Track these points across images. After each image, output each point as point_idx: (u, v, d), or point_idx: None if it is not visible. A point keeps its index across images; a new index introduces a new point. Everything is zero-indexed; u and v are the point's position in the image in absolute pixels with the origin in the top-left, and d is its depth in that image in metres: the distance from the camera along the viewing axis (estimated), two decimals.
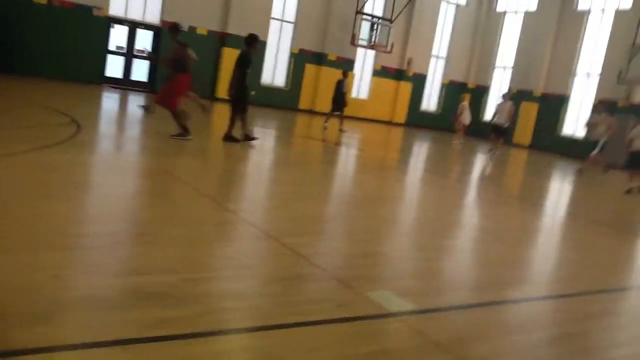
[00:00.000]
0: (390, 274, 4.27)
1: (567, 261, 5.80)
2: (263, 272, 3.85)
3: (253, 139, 10.09)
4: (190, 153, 8.59)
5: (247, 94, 10.15)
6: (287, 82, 23.71)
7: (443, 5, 27.49)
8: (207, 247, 4.20)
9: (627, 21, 22.11)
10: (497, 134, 17.05)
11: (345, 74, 18.04)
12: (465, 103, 20.56)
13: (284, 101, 23.40)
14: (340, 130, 16.83)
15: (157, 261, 3.60)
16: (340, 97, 17.44)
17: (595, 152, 14.49)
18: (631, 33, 21.35)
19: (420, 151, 17.11)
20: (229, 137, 9.92)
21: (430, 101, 28.38)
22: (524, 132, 25.35)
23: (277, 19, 23.04)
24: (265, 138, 13.01)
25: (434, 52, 27.83)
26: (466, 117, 20.04)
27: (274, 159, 10.18)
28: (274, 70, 23.47)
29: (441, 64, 28.38)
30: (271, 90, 23.18)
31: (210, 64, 21.39)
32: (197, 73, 20.91)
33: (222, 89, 21.24)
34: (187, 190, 5.90)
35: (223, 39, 21.61)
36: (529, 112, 25.45)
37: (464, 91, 28.01)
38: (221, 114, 16.07)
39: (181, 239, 4.18)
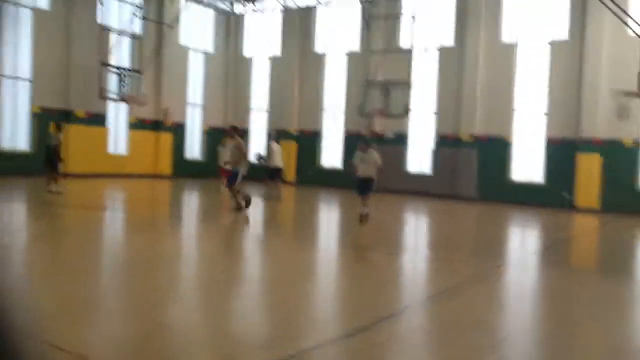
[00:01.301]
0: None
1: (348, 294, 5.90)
2: None
3: None
4: None
5: None
6: (32, 145, 21.22)
7: (191, 53, 27.63)
8: None
9: (358, 61, 24.80)
10: (274, 176, 17.12)
11: (58, 126, 15.75)
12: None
13: (29, 166, 20.82)
14: (50, 192, 14.27)
15: None
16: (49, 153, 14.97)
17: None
18: (364, 71, 23.92)
19: (189, 202, 16.65)
20: None
21: (193, 149, 28.11)
22: (288, 168, 26.55)
23: (10, 77, 20.64)
24: (14, 211, 11.29)
25: (190, 100, 27.73)
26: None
27: (24, 235, 8.80)
28: (14, 133, 20.90)
29: (199, 111, 28.39)
30: (12, 156, 20.50)
31: None
32: None
33: None
34: None
35: None
36: (289, 149, 26.73)
37: (226, 136, 28.38)
38: None
39: None
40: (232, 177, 12.46)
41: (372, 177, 11.72)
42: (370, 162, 11.77)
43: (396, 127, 24.10)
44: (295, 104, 27.22)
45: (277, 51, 28.06)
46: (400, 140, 24.36)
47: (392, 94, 22.70)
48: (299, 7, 27.12)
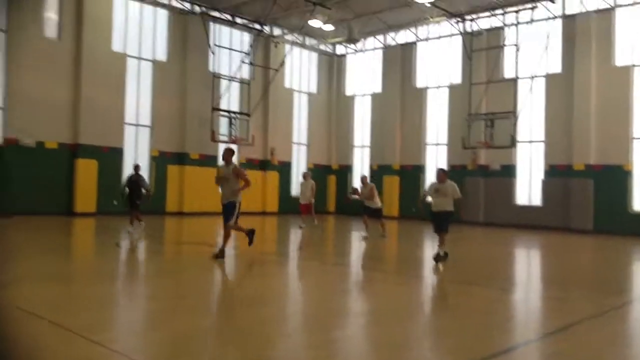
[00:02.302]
0: None
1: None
2: None
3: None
4: (42, 280, 7.70)
5: None
6: (149, 186, 22.80)
7: (295, 95, 28.70)
8: None
9: (461, 93, 24.54)
10: (372, 215, 16.31)
11: (136, 168, 15.11)
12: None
13: (149, 206, 22.37)
14: (129, 232, 14.34)
15: None
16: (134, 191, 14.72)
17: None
18: (466, 103, 23.58)
19: (295, 238, 17.04)
20: None
21: (299, 186, 28.85)
22: (391, 203, 26.48)
23: (132, 124, 22.51)
24: (134, 248, 12.20)
25: (295, 139, 28.66)
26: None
27: (145, 272, 9.47)
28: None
29: (303, 149, 29.22)
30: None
31: (64, 177, 20.19)
32: (51, 187, 19.72)
33: (80, 204, 20.12)
34: (44, 327, 5.16)
35: (76, 150, 20.56)
36: (391, 185, 26.72)
37: (329, 173, 29.02)
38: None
39: None
40: (228, 211, 10.04)
41: (448, 211, 10.42)
42: (447, 194, 10.43)
43: (502, 159, 23.43)
44: (397, 139, 27.30)
45: (378, 88, 28.44)
46: (507, 172, 23.63)
47: (496, 125, 22.17)
48: (399, 43, 27.44)
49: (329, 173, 29.50)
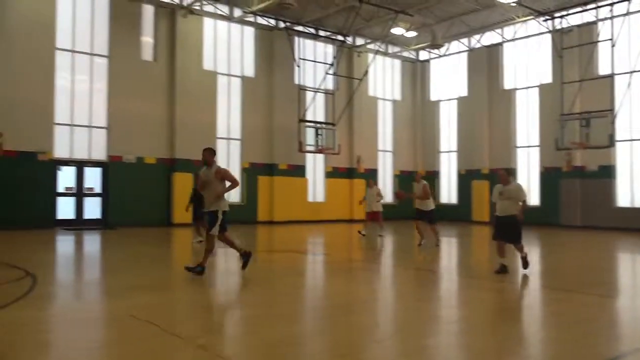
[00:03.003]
0: None
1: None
2: None
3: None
4: (149, 288, 8.27)
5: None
6: (242, 197, 23.77)
7: (380, 102, 28.78)
8: None
9: (552, 93, 23.63)
10: (423, 218, 14.62)
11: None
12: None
13: (242, 216, 23.25)
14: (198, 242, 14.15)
15: None
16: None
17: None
18: (558, 103, 22.69)
19: (382, 245, 17.08)
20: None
21: (385, 193, 28.85)
22: (481, 208, 25.91)
23: (224, 138, 23.49)
24: (228, 257, 12.76)
25: (380, 146, 28.72)
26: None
27: (240, 279, 9.90)
28: None
29: (389, 156, 29.22)
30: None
31: (163, 190, 21.38)
32: (151, 200, 20.96)
33: (178, 215, 21.24)
34: (155, 332, 5.59)
35: (172, 165, 21.74)
36: (481, 189, 26.13)
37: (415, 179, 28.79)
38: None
39: None
40: (210, 221, 9.05)
41: (513, 216, 9.35)
42: (511, 197, 9.35)
43: (600, 159, 22.33)
44: (485, 143, 26.70)
45: (464, 91, 27.98)
46: (606, 172, 22.47)
47: (592, 124, 21.17)
48: (484, 45, 26.89)
49: (414, 180, 29.27)
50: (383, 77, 29.06)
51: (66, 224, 19.46)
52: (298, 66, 24.84)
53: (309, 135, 24.39)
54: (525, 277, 9.51)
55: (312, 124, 24.67)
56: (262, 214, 24.06)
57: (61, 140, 19.80)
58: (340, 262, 11.30)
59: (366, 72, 26.30)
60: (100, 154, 20.58)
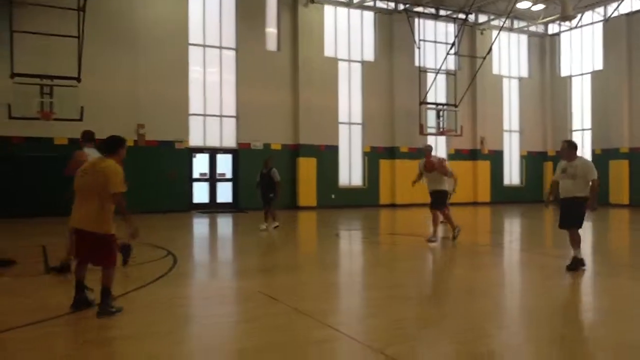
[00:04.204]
0: None
1: None
2: None
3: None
4: (278, 269, 8.73)
5: None
6: (364, 180, 24.07)
7: (505, 81, 27.62)
8: None
9: None
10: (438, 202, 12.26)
11: (266, 162, 14.12)
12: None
13: (364, 199, 23.62)
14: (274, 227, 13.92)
15: None
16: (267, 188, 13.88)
17: None
18: None
19: (509, 228, 16.51)
20: None
21: (512, 175, 27.78)
22: (620, 190, 24.12)
23: (345, 123, 23.84)
24: (352, 238, 13.07)
25: (506, 126, 27.61)
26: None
27: (364, 261, 10.13)
28: (350, 170, 24.00)
29: (515, 137, 28.01)
30: (350, 190, 23.59)
31: (289, 175, 22.19)
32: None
33: (302, 199, 22.02)
34: (283, 309, 5.95)
35: (297, 150, 22.48)
36: (620, 169, 24.31)
37: (545, 160, 27.42)
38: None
39: None
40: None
41: (579, 198, 7.83)
42: (576, 175, 7.85)
43: None
44: (624, 120, 24.69)
45: (599, 65, 26.01)
46: None
47: None
48: (623, 14, 24.74)
49: (545, 160, 27.79)
50: (508, 54, 27.79)
51: (201, 208, 20.92)
52: (418, 48, 24.50)
53: (430, 118, 24.06)
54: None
55: (433, 106, 24.29)
56: (383, 197, 24.20)
57: (195, 129, 21.25)
58: (465, 246, 11.14)
59: (490, 50, 25.25)
60: (230, 142, 21.82)
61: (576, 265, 8.05)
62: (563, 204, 8.13)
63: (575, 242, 8.07)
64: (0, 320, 5.36)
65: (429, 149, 12.28)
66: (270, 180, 13.72)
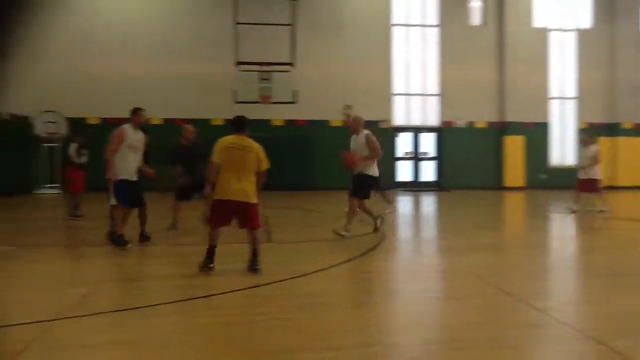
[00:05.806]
0: None
1: None
2: None
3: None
4: (485, 249, 8.56)
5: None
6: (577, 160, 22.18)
7: None
8: (523, 353, 4.07)
9: None
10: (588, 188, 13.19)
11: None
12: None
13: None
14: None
15: None
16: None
17: None
18: None
19: None
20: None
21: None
22: None
23: (556, 98, 22.18)
24: (564, 221, 12.23)
25: None
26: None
27: (578, 245, 9.45)
28: (562, 149, 22.35)
29: None
30: (562, 170, 21.93)
31: (494, 154, 21.42)
32: (482, 164, 21.29)
33: (509, 179, 21.11)
34: (490, 290, 5.86)
35: (503, 128, 21.57)
36: None
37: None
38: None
39: (495, 345, 4.15)
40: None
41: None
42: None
43: None
44: None
45: None
46: None
47: None
48: None
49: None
50: None
51: (405, 186, 21.25)
52: None
53: None
54: None
55: None
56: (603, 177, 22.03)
57: (399, 108, 21.56)
58: None
59: None
60: (433, 120, 21.72)
61: None
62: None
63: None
64: (219, 286, 6.14)
65: None
66: None
